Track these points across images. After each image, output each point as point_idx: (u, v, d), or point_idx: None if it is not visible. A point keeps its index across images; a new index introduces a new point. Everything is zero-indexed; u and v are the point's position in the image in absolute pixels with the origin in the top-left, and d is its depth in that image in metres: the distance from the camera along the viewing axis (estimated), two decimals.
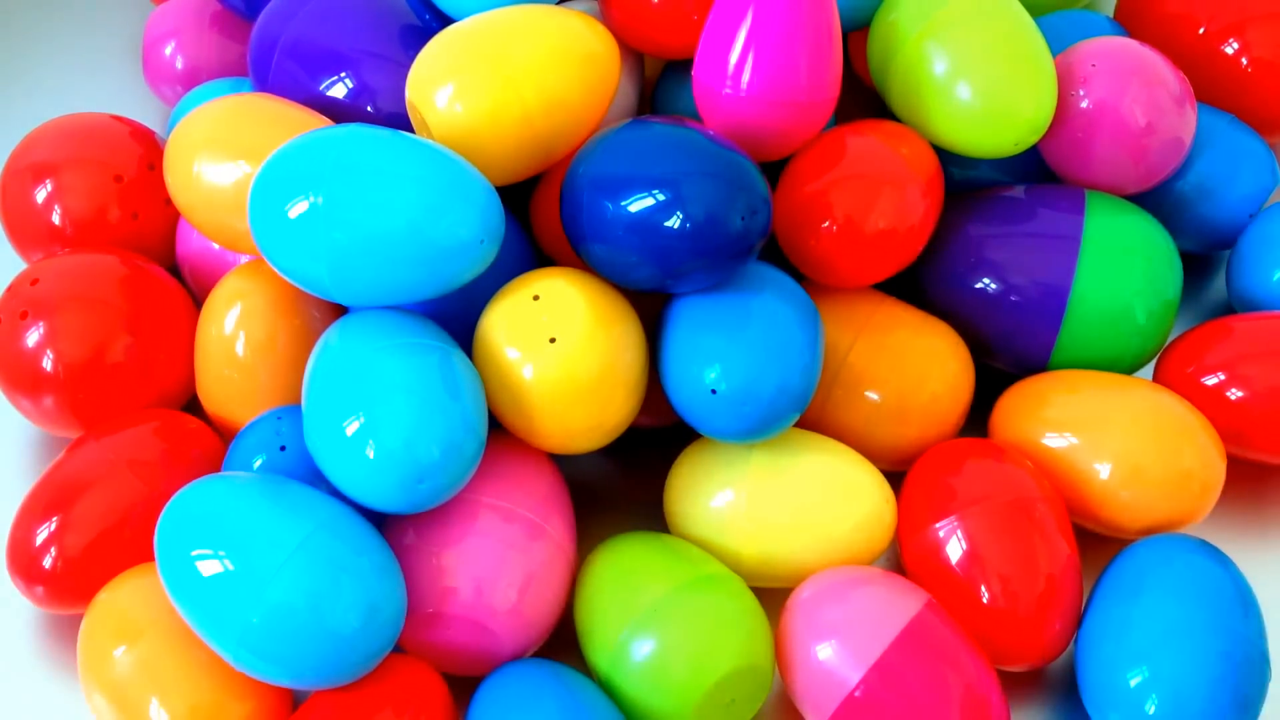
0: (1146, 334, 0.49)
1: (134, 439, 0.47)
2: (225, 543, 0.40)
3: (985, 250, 0.51)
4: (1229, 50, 0.57)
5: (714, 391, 0.43)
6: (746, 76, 0.45)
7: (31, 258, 0.55)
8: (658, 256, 0.43)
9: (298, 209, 0.41)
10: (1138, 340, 0.49)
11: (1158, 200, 0.54)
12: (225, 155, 0.46)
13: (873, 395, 0.48)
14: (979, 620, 0.43)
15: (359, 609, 0.40)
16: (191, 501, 0.41)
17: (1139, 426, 0.46)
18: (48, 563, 0.45)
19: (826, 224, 0.47)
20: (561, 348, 0.43)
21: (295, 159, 0.42)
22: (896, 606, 0.42)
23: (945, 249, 0.51)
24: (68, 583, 0.45)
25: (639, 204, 0.43)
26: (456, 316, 0.46)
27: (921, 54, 0.48)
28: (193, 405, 0.51)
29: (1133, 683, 0.41)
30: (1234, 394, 0.48)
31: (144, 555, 0.44)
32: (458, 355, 0.43)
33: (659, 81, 0.56)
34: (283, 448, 0.45)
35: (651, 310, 0.47)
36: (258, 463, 0.45)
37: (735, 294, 0.45)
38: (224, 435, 0.49)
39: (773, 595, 0.45)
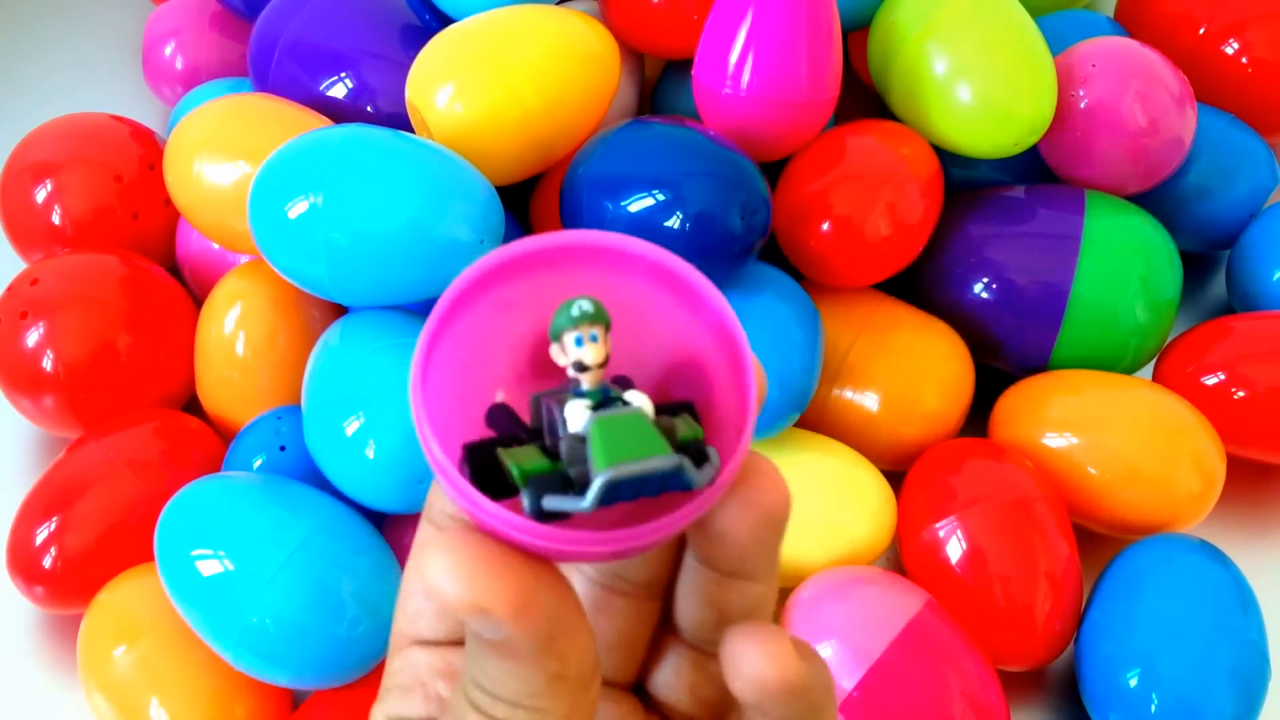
0: (1146, 334, 0.49)
1: (134, 439, 0.47)
2: (225, 543, 0.40)
3: (985, 250, 0.51)
4: (1229, 50, 0.57)
5: None
6: (746, 76, 0.45)
7: (31, 258, 0.55)
8: None
9: (298, 209, 0.41)
10: (1138, 340, 0.49)
11: (1158, 200, 0.54)
12: (225, 155, 0.46)
13: (873, 395, 0.48)
14: (979, 620, 0.43)
15: (359, 608, 0.40)
16: (191, 501, 0.41)
17: (1139, 426, 0.46)
18: (48, 563, 0.45)
19: (826, 224, 0.47)
20: None
21: (295, 159, 0.42)
22: (896, 606, 0.42)
23: (945, 249, 0.51)
24: (68, 583, 0.45)
25: (639, 204, 0.43)
26: None
27: (921, 54, 0.48)
28: (193, 405, 0.51)
29: (1133, 683, 0.41)
30: (1234, 394, 0.48)
31: (144, 555, 0.44)
32: None
33: (659, 81, 0.56)
34: (283, 448, 0.45)
35: None
36: (258, 463, 0.45)
37: (735, 294, 0.45)
38: (224, 435, 0.49)
39: None
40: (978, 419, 0.50)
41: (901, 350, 0.49)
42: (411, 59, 0.47)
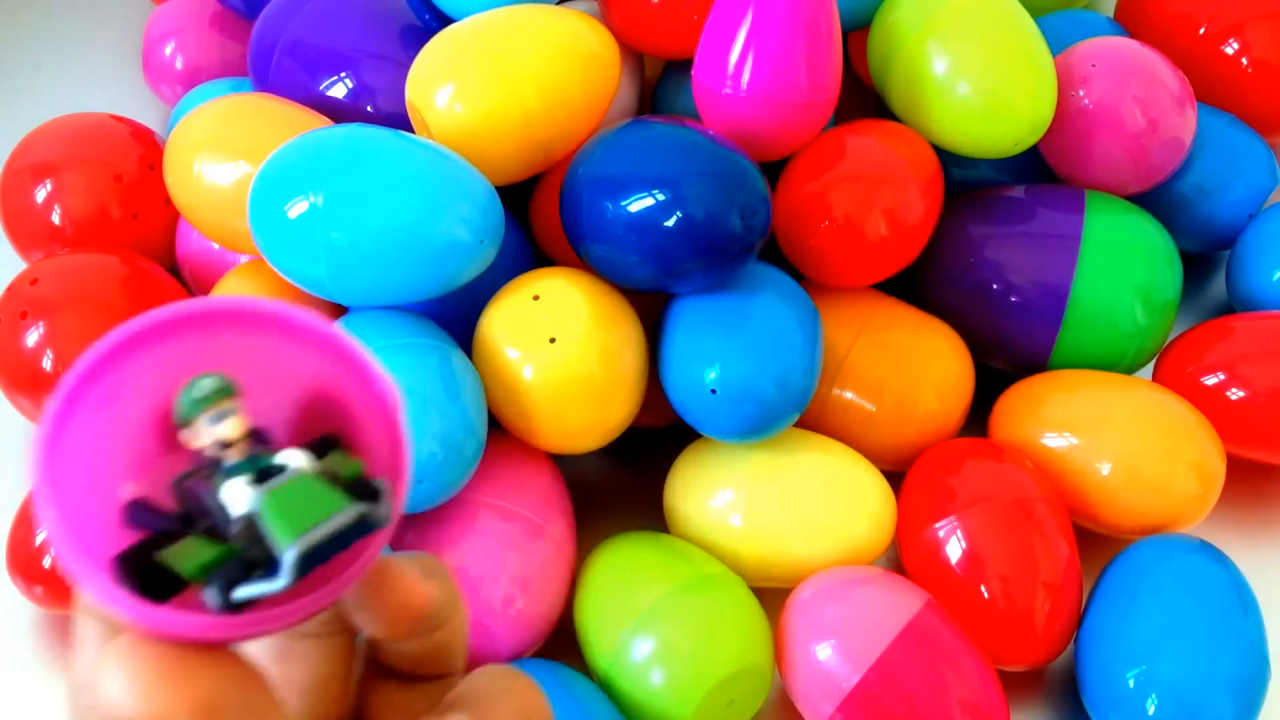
0: (1146, 334, 0.49)
1: None
2: None
3: (985, 250, 0.51)
4: (1229, 50, 0.57)
5: (714, 391, 0.43)
6: (746, 76, 0.45)
7: (31, 258, 0.55)
8: (657, 256, 0.43)
9: (298, 209, 0.41)
10: (1138, 340, 0.49)
11: (1158, 200, 0.54)
12: (225, 155, 0.46)
13: (872, 395, 0.48)
14: (979, 620, 0.43)
15: None
16: None
17: (1139, 426, 0.46)
18: (48, 563, 0.45)
19: (826, 224, 0.47)
20: (561, 348, 0.43)
21: (295, 159, 0.42)
22: (896, 606, 0.42)
23: (945, 249, 0.51)
24: (68, 583, 0.45)
25: (639, 204, 0.43)
26: (456, 316, 0.46)
27: (921, 54, 0.48)
28: None
29: (1132, 683, 0.41)
30: (1234, 394, 0.48)
31: None
32: (457, 355, 0.43)
33: (659, 81, 0.56)
34: None
35: (651, 310, 0.47)
36: None
37: (735, 294, 0.45)
38: None
39: (773, 595, 0.45)
40: (978, 419, 0.50)
41: (901, 350, 0.49)
42: (411, 59, 0.47)
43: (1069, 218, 0.50)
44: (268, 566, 0.18)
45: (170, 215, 0.55)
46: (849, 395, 0.48)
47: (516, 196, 0.51)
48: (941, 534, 0.44)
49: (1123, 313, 0.49)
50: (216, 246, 0.52)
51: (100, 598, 0.18)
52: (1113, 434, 0.46)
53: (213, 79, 0.60)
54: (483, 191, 0.43)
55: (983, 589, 0.43)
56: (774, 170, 0.50)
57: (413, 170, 0.41)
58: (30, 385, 0.49)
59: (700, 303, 0.45)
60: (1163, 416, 0.47)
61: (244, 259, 0.50)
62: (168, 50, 0.61)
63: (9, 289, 0.50)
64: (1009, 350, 0.51)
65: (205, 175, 0.47)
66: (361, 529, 0.19)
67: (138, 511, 0.20)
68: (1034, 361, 0.50)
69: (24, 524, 0.46)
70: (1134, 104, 0.50)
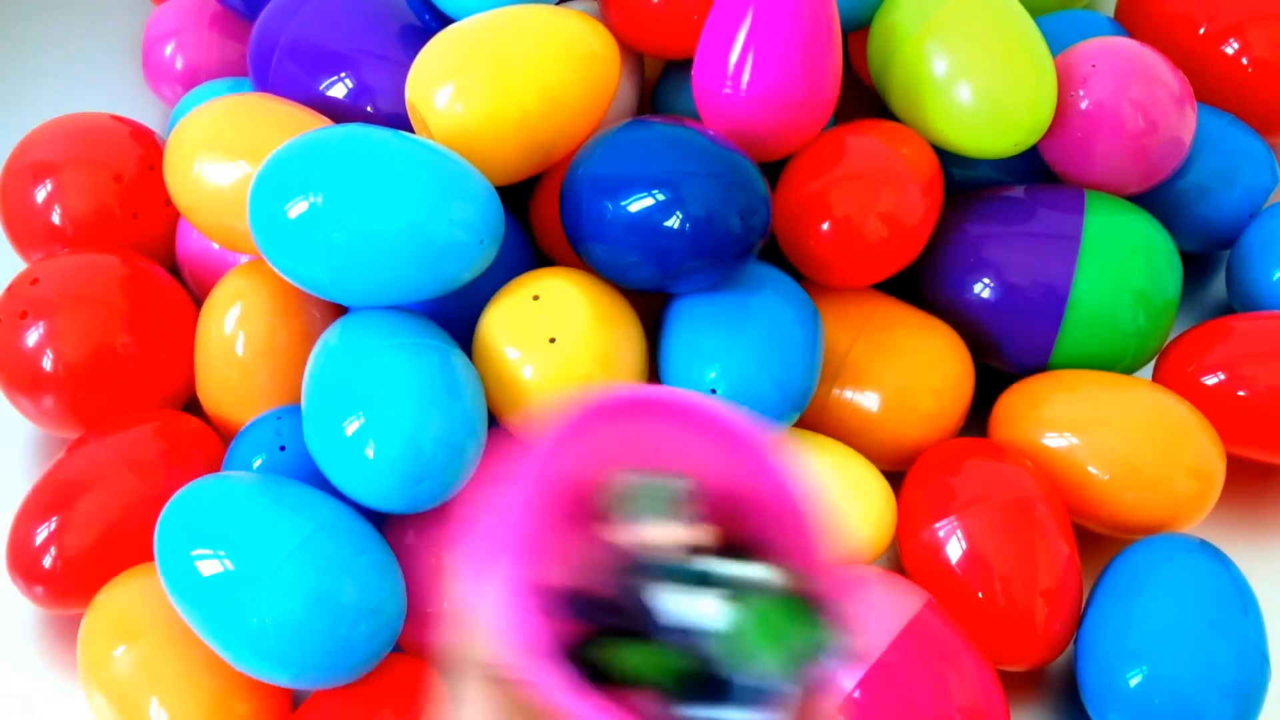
0: (1146, 334, 0.49)
1: (134, 439, 0.47)
2: (225, 543, 0.40)
3: (985, 250, 0.51)
4: (1229, 50, 0.57)
5: (714, 391, 0.43)
6: (746, 77, 0.45)
7: (31, 258, 0.55)
8: (658, 256, 0.43)
9: (298, 209, 0.41)
10: (1138, 340, 0.49)
11: (1158, 200, 0.53)
12: (225, 155, 0.46)
13: (873, 395, 0.48)
14: (979, 620, 0.43)
15: (359, 608, 0.40)
16: (191, 501, 0.41)
17: (1139, 426, 0.46)
18: (48, 563, 0.45)
19: (826, 224, 0.47)
20: (561, 347, 0.43)
21: (295, 159, 0.42)
22: (896, 606, 0.42)
23: (945, 249, 0.51)
24: (68, 583, 0.45)
25: (639, 204, 0.43)
26: (456, 316, 0.46)
27: (921, 54, 0.48)
28: (193, 405, 0.51)
29: (1133, 682, 0.41)
30: (1234, 394, 0.48)
31: (144, 555, 0.44)
32: (458, 355, 0.43)
33: (659, 81, 0.56)
34: (282, 448, 0.45)
35: (651, 310, 0.47)
36: (257, 463, 0.45)
37: (735, 294, 0.45)
38: (224, 435, 0.49)
39: None
40: (978, 419, 0.50)
41: (901, 350, 0.49)
42: (411, 59, 0.47)
43: (1069, 218, 0.50)
44: (726, 688, 0.17)
45: (170, 215, 0.55)
46: (849, 395, 0.48)
47: (516, 196, 0.51)
48: (941, 534, 0.44)
49: (1123, 313, 0.49)
50: (216, 246, 0.52)
51: (544, 684, 0.17)
52: (1113, 434, 0.46)
53: (213, 79, 0.60)
54: (483, 191, 0.43)
55: (983, 589, 0.43)
56: (774, 170, 0.50)
57: (413, 170, 0.42)
58: (30, 385, 0.49)
59: (700, 303, 0.45)
60: (1163, 417, 0.47)
61: (244, 259, 0.50)
62: (168, 50, 0.61)
63: (9, 289, 0.50)
64: (1009, 350, 0.51)
65: (205, 175, 0.46)
66: (821, 663, 0.18)
67: (573, 601, 0.19)
68: (1034, 361, 0.50)
69: (24, 524, 0.46)
70: (1134, 104, 0.50)
